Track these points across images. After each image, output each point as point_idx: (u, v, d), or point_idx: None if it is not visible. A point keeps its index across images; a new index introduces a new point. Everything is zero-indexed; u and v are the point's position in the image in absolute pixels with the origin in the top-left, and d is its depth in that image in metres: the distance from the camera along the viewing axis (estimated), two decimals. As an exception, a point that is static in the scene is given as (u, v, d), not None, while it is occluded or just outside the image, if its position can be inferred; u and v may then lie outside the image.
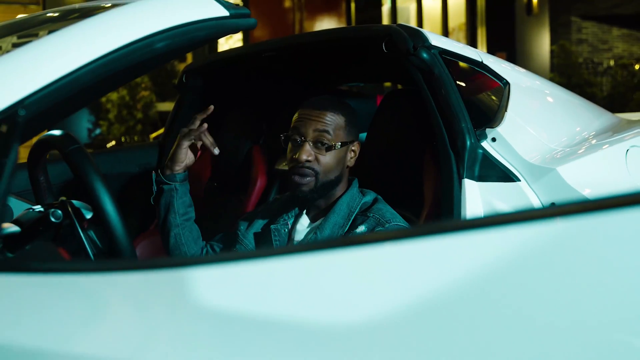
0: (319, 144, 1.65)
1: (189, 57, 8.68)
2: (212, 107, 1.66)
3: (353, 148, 1.72)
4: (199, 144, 1.68)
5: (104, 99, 9.77)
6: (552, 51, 12.67)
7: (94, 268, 0.69)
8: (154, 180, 1.73)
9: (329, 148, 1.65)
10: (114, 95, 9.70)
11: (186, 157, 1.68)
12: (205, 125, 1.64)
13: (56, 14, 1.40)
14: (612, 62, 12.78)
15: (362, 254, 0.60)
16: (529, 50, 13.33)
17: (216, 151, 1.65)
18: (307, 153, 1.64)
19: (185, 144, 1.66)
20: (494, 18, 13.45)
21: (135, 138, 9.67)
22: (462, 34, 13.58)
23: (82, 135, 10.44)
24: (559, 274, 0.58)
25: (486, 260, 0.58)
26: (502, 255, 0.58)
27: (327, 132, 1.65)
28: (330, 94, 2.63)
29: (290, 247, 0.63)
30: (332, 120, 1.66)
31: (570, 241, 0.58)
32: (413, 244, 0.60)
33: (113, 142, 9.39)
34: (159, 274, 0.65)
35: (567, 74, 11.82)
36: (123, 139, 9.55)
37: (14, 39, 1.28)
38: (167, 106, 9.83)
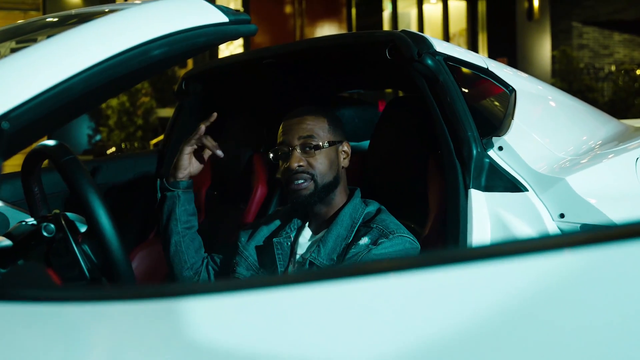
0: (307, 148, 1.65)
1: (190, 64, 8.66)
2: (215, 114, 1.66)
3: (344, 149, 1.72)
4: (207, 154, 1.67)
5: (104, 105, 9.77)
6: (553, 57, 12.65)
7: (77, 297, 0.64)
8: (158, 187, 1.71)
9: (317, 148, 1.65)
10: (114, 102, 9.69)
11: (189, 164, 1.67)
12: (203, 127, 1.64)
13: (55, 19, 1.37)
14: (613, 68, 12.76)
15: (370, 285, 0.55)
16: (530, 55, 13.31)
17: (219, 153, 1.64)
18: (297, 159, 1.64)
19: (188, 149, 1.66)
20: (494, 23, 13.44)
21: (136, 144, 9.65)
22: (462, 40, 13.57)
23: (83, 142, 10.43)
24: (585, 311, 0.53)
25: (503, 294, 0.53)
26: (522, 288, 0.53)
27: (311, 136, 1.66)
28: (331, 101, 2.59)
29: (293, 277, 0.58)
30: (314, 124, 1.68)
31: (596, 273, 0.53)
32: (424, 274, 0.55)
33: (113, 149, 9.37)
34: (148, 304, 0.60)
35: (568, 79, 11.80)
36: (123, 145, 9.54)
37: (13, 44, 1.25)
38: (168, 112, 9.82)
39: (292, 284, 0.56)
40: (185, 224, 1.71)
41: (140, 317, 0.58)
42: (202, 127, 1.64)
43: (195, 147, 1.66)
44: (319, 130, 1.67)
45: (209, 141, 1.64)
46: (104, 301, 0.62)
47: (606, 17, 12.85)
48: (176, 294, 0.60)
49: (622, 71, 12.00)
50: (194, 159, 1.68)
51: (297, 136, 1.66)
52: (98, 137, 10.36)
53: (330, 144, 1.67)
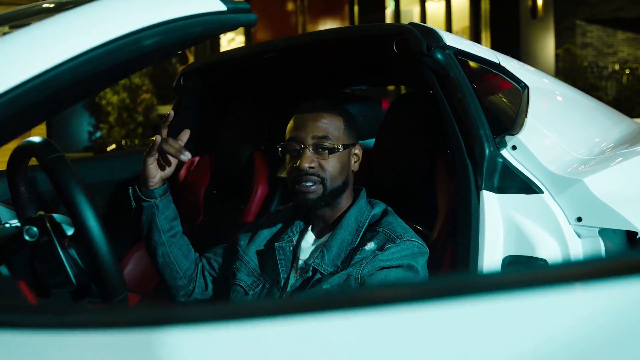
0: (320, 149, 1.55)
1: (191, 59, 8.61)
2: (172, 113, 1.52)
3: (355, 151, 1.63)
4: (173, 161, 1.53)
5: (104, 102, 9.74)
6: (557, 55, 12.56)
7: (47, 324, 0.55)
8: (131, 196, 1.57)
9: (332, 151, 1.55)
10: (114, 98, 9.65)
11: (157, 172, 1.53)
12: (158, 138, 1.49)
13: (51, 5, 1.30)
14: (617, 66, 12.68)
15: (390, 318, 0.46)
16: (534, 53, 13.23)
17: (183, 158, 1.49)
18: (308, 160, 1.54)
19: (150, 160, 1.51)
20: (498, 21, 13.37)
21: (136, 141, 9.62)
22: (466, 37, 13.49)
23: (83, 138, 10.39)
24: None
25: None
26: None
27: (326, 136, 1.56)
28: (334, 97, 2.51)
29: (297, 304, 0.50)
30: (330, 123, 1.57)
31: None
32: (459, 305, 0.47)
33: (113, 146, 9.33)
34: (131, 335, 0.51)
35: (572, 77, 11.73)
36: (124, 142, 9.50)
37: (6, 29, 1.19)
38: (169, 109, 9.78)
39: (296, 313, 0.47)
40: (169, 232, 1.59)
41: (120, 352, 0.50)
42: (158, 138, 1.49)
43: (156, 155, 1.52)
44: (335, 130, 1.57)
45: (170, 147, 1.48)
46: (79, 329, 0.53)
47: (609, 15, 12.77)
48: (163, 322, 0.51)
49: (627, 70, 11.93)
50: (157, 166, 1.53)
51: (312, 135, 1.55)
52: (98, 134, 10.34)
53: (344, 147, 1.57)
